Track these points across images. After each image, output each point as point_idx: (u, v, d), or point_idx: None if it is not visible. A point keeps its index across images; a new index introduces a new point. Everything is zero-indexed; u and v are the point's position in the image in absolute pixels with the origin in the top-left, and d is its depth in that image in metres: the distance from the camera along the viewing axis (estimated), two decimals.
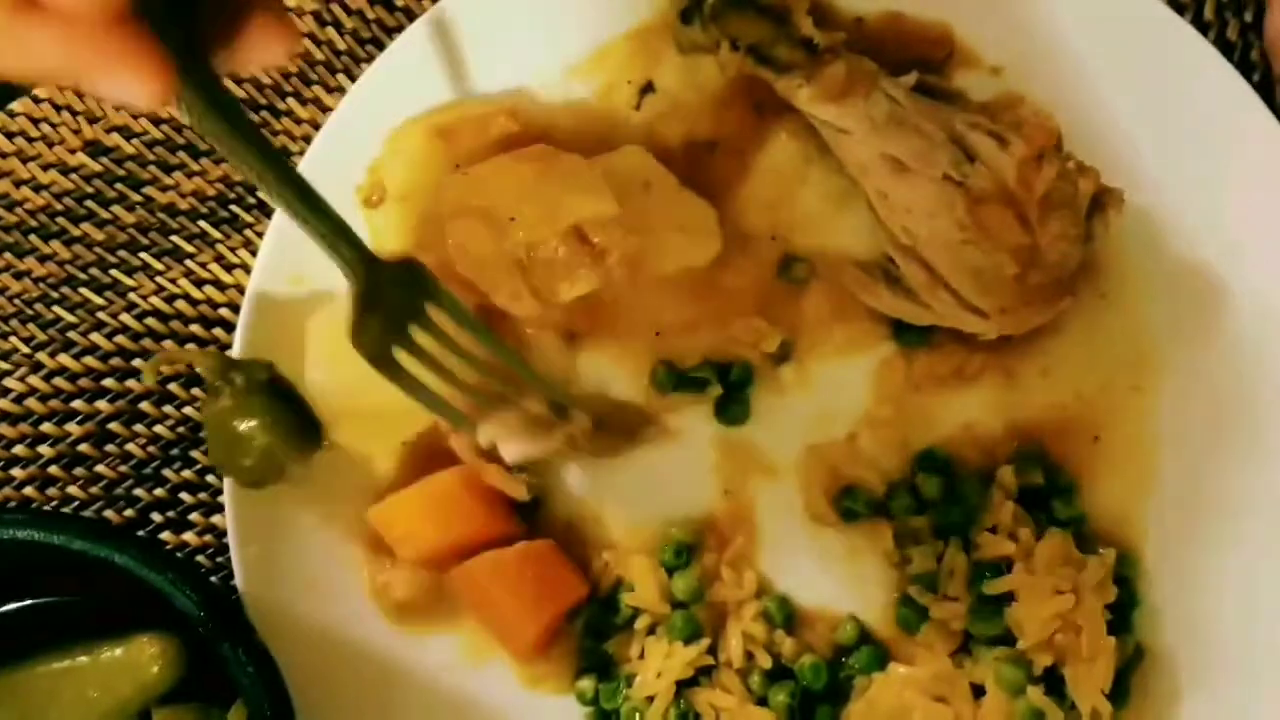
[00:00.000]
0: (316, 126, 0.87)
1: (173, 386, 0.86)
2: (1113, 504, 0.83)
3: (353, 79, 0.86)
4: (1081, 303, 0.84)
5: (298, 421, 0.79)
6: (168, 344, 0.87)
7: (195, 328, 0.87)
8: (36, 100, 0.87)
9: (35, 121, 0.87)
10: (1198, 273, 0.84)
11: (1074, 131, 0.82)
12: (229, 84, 0.87)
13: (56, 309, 0.87)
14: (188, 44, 0.58)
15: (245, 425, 0.77)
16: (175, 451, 0.86)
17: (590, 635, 0.81)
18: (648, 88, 0.86)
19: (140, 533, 0.84)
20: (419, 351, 0.73)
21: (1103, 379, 0.84)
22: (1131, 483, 0.83)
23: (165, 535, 0.85)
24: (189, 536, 0.85)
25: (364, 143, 0.83)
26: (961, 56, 0.86)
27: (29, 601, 0.77)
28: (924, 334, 0.84)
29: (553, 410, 0.78)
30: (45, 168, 0.88)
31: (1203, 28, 0.90)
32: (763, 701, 0.78)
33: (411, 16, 0.84)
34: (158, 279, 0.87)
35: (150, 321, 0.87)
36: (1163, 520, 0.82)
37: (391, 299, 0.72)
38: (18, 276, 0.87)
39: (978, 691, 0.78)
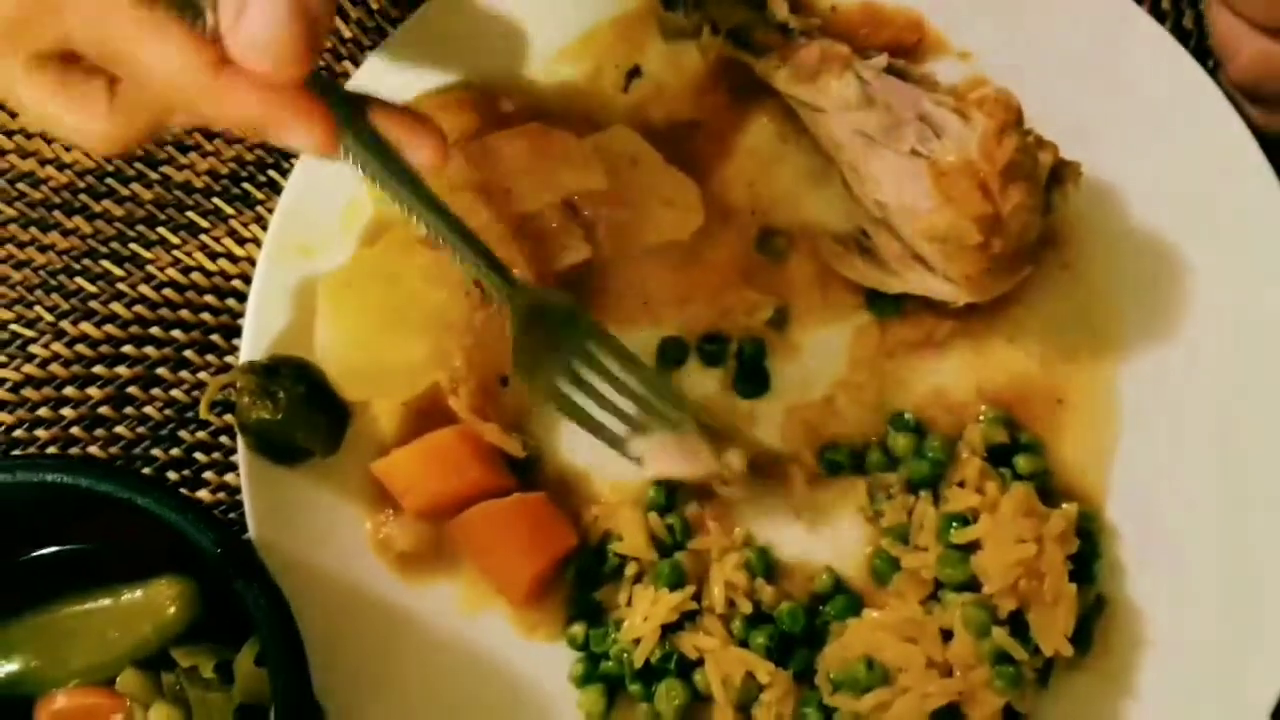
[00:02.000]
0: None
1: (188, 353, 0.91)
2: (1076, 462, 0.87)
3: (357, 65, 0.91)
4: (1045, 273, 0.89)
5: (331, 419, 0.84)
6: (183, 313, 0.91)
7: (209, 298, 0.92)
8: None
9: None
10: (1156, 244, 0.89)
11: (1036, 113, 0.86)
12: None
13: (79, 280, 0.92)
14: (347, 104, 0.68)
15: (284, 432, 0.82)
16: (190, 414, 0.90)
17: (581, 584, 0.85)
18: (634, 72, 0.91)
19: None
20: (579, 381, 0.81)
21: (1066, 345, 0.88)
22: (1093, 443, 0.88)
23: (181, 492, 0.90)
24: (203, 494, 0.90)
25: None
26: (931, 42, 0.91)
27: (53, 549, 0.81)
28: (896, 302, 0.89)
29: (708, 439, 0.84)
30: (69, 147, 0.93)
31: (1160, 16, 0.95)
32: (744, 644, 0.82)
33: (413, 5, 0.89)
34: (174, 252, 0.92)
35: (167, 292, 0.92)
36: (1124, 478, 0.87)
37: (547, 325, 0.80)
38: (42, 250, 0.92)
39: (947, 636, 0.82)
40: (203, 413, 0.85)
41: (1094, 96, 0.89)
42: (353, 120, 0.68)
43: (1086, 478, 0.87)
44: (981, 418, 0.87)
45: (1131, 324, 0.88)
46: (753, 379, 0.88)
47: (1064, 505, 0.84)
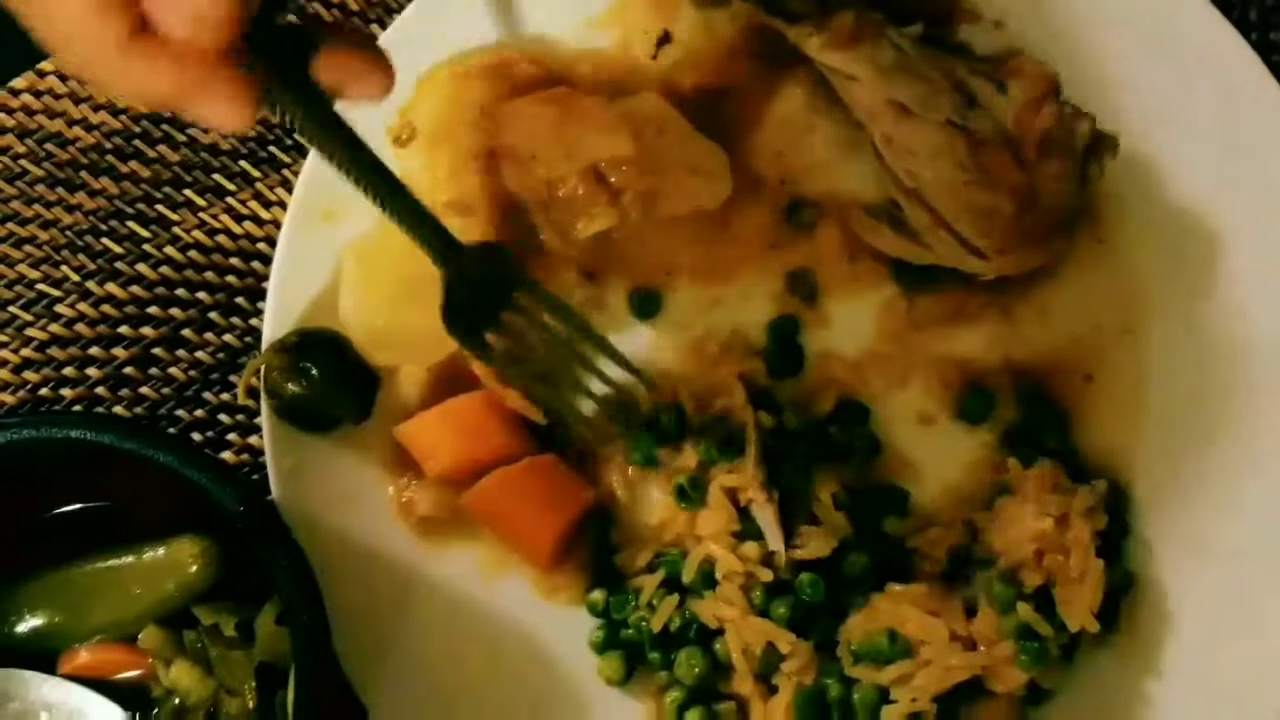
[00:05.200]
0: None
1: (213, 315, 0.91)
2: (1104, 440, 0.86)
3: (384, 28, 0.90)
4: (1078, 248, 0.87)
5: (361, 388, 0.84)
6: (208, 275, 0.92)
7: (234, 260, 0.92)
8: None
9: (63, 78, 0.92)
10: (1192, 220, 0.87)
11: (1072, 82, 0.85)
12: None
13: (105, 241, 0.92)
14: (283, 58, 0.61)
15: (316, 404, 0.82)
16: (215, 376, 0.91)
17: (601, 550, 0.85)
18: (664, 38, 0.90)
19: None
20: (511, 334, 0.79)
21: (1097, 321, 0.87)
22: (1122, 420, 0.86)
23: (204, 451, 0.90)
24: (227, 455, 0.90)
25: (396, 86, 0.87)
26: (966, 11, 0.90)
27: (78, 506, 0.81)
28: (926, 275, 0.88)
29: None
30: (96, 109, 0.93)
31: None
32: (764, 614, 0.82)
33: None
34: (200, 214, 0.92)
35: (193, 254, 0.92)
36: (1153, 456, 0.85)
37: (481, 284, 0.77)
38: (69, 210, 0.92)
39: (972, 611, 0.82)
40: (241, 397, 0.85)
41: (1131, 67, 0.87)
42: (289, 72, 0.61)
43: (1115, 454, 0.86)
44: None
45: (1164, 300, 0.87)
46: (787, 359, 0.87)
47: (1092, 481, 0.83)
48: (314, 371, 0.81)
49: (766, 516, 0.82)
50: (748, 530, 0.83)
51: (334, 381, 0.82)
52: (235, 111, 0.56)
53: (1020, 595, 0.80)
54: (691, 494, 0.83)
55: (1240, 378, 0.85)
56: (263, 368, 0.82)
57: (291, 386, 0.81)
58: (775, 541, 0.81)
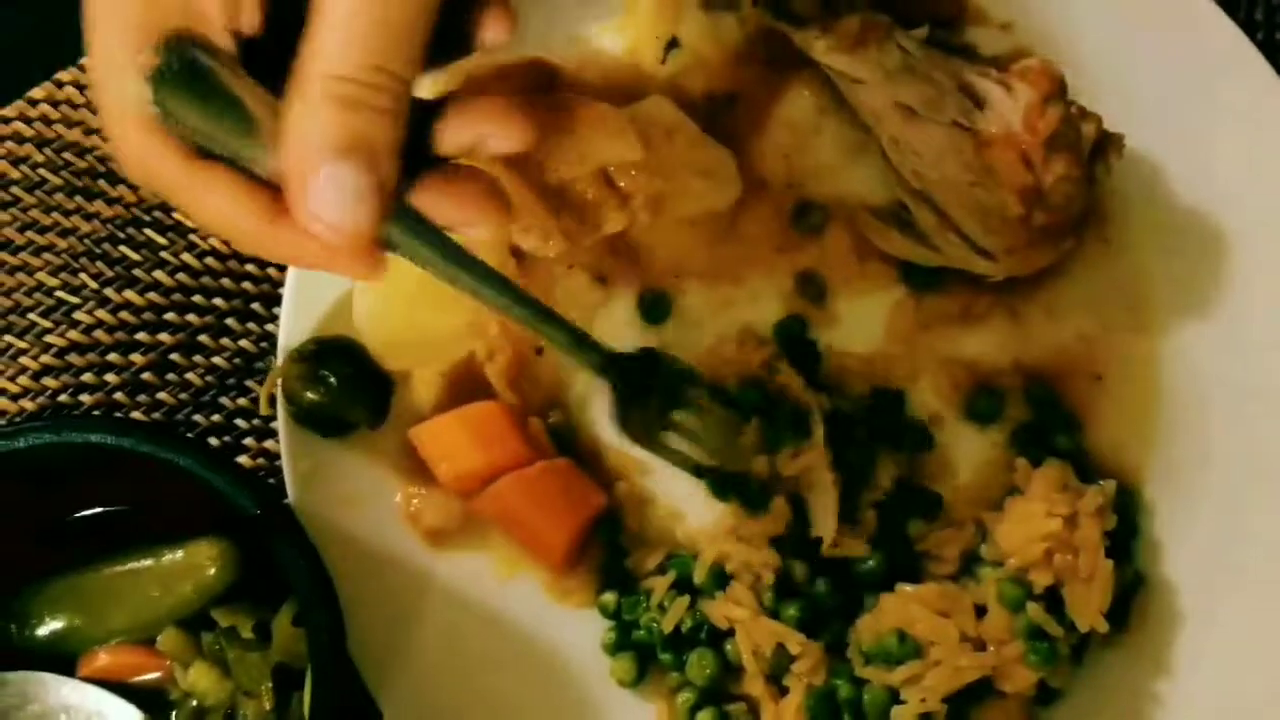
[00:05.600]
0: None
1: (229, 321, 0.92)
2: (1114, 439, 0.86)
3: None
4: (1086, 248, 0.88)
5: (378, 394, 0.85)
6: (224, 281, 0.93)
7: (250, 266, 0.93)
8: (82, 69, 0.93)
9: (80, 88, 0.93)
10: (1199, 220, 0.87)
11: (1079, 83, 0.86)
12: None
13: (123, 248, 0.93)
14: (416, 217, 0.62)
15: (334, 411, 0.84)
16: (231, 381, 0.92)
17: (612, 553, 0.86)
18: (672, 43, 0.90)
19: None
20: (684, 429, 0.84)
21: (1105, 320, 0.88)
22: (1132, 420, 0.87)
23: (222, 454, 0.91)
24: (243, 459, 0.91)
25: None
26: (972, 13, 0.90)
27: (97, 509, 0.82)
28: (934, 276, 0.88)
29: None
30: (86, 133, 0.93)
31: None
32: (775, 615, 0.82)
33: None
34: None
35: (209, 260, 0.93)
36: (1163, 455, 0.86)
37: (648, 390, 0.83)
38: (88, 218, 0.93)
39: (981, 611, 0.82)
40: (263, 408, 0.85)
41: (1137, 68, 0.88)
42: (397, 211, 0.60)
43: (1125, 455, 0.86)
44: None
45: (1172, 300, 0.87)
46: (803, 356, 0.88)
47: (1101, 482, 0.83)
48: (331, 379, 0.82)
49: (828, 502, 0.81)
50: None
51: (350, 388, 0.83)
52: (375, 268, 0.60)
53: (1030, 595, 0.80)
54: (757, 498, 0.84)
55: (1250, 375, 0.85)
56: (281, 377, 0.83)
57: (309, 394, 0.83)
58: (828, 529, 0.81)
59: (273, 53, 0.58)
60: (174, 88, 0.55)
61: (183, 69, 0.55)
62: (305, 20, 0.57)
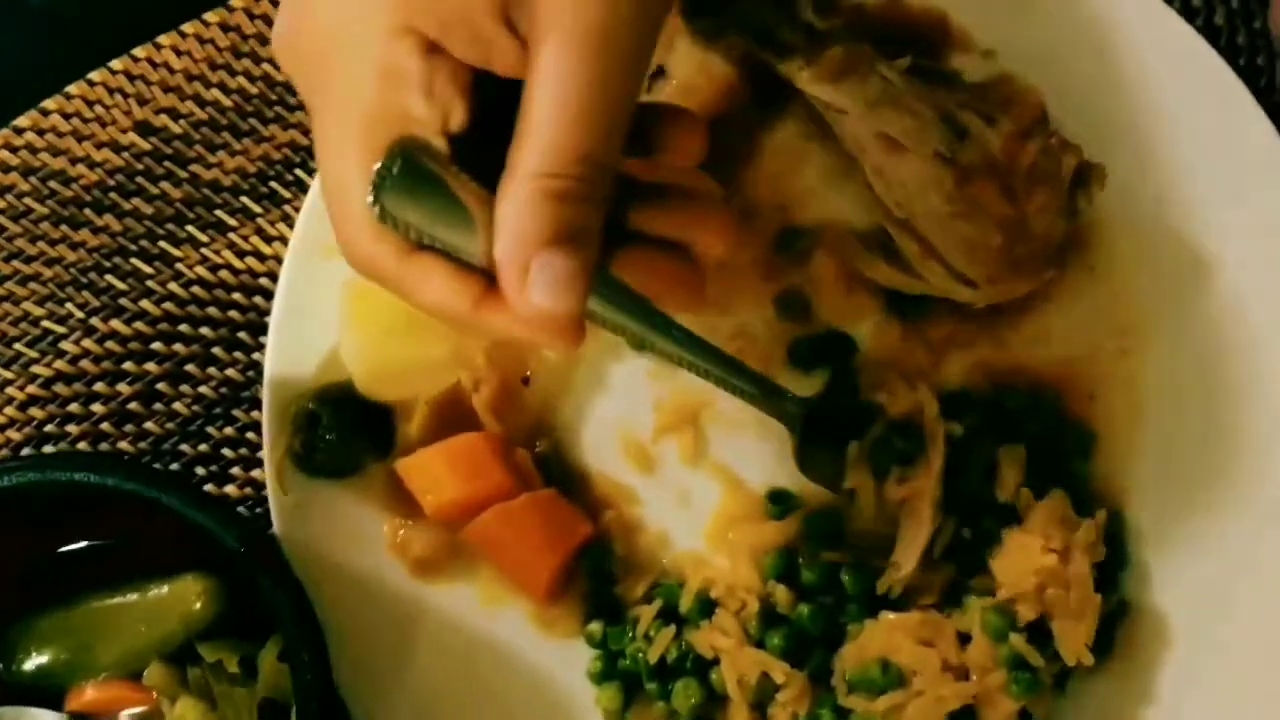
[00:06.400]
0: None
1: (216, 350, 0.93)
2: (1100, 466, 0.87)
3: None
4: (1070, 275, 0.88)
5: (380, 431, 0.86)
6: (211, 310, 0.93)
7: (237, 295, 0.93)
8: (90, 83, 0.94)
9: (89, 103, 0.94)
10: (1184, 246, 0.88)
11: (1063, 112, 0.86)
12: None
13: (108, 277, 0.93)
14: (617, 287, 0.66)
15: (337, 463, 0.85)
16: (218, 410, 0.92)
17: (599, 582, 0.86)
18: (658, 72, 0.91)
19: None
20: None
21: (1090, 346, 0.88)
22: (1119, 446, 0.87)
23: (208, 488, 0.91)
24: (230, 489, 0.91)
25: None
26: (956, 40, 0.90)
27: (82, 543, 0.83)
28: (918, 303, 0.88)
29: None
30: (99, 146, 0.94)
31: (1190, 14, 0.93)
32: (760, 644, 0.83)
33: None
34: (202, 250, 0.93)
35: (195, 289, 0.93)
36: (1149, 481, 0.86)
37: (837, 431, 0.82)
38: (73, 247, 0.93)
39: (966, 639, 0.82)
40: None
41: (1121, 96, 0.88)
42: (597, 285, 0.63)
43: (1112, 481, 0.87)
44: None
45: (1158, 326, 0.87)
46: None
47: (1097, 513, 0.83)
48: (330, 436, 0.83)
49: (920, 538, 0.81)
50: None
51: (352, 434, 0.84)
52: (578, 340, 0.63)
53: (1014, 626, 0.81)
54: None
55: (1238, 400, 0.86)
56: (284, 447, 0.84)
57: (315, 456, 0.84)
58: (909, 559, 0.81)
59: (480, 144, 0.62)
60: (395, 190, 0.60)
61: (402, 172, 0.60)
62: (513, 112, 0.60)
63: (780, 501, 0.86)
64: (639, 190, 0.68)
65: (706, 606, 0.84)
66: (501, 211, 0.60)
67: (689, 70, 0.91)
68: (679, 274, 0.69)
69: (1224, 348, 0.86)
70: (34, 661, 0.81)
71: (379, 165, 0.60)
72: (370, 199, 0.60)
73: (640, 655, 0.83)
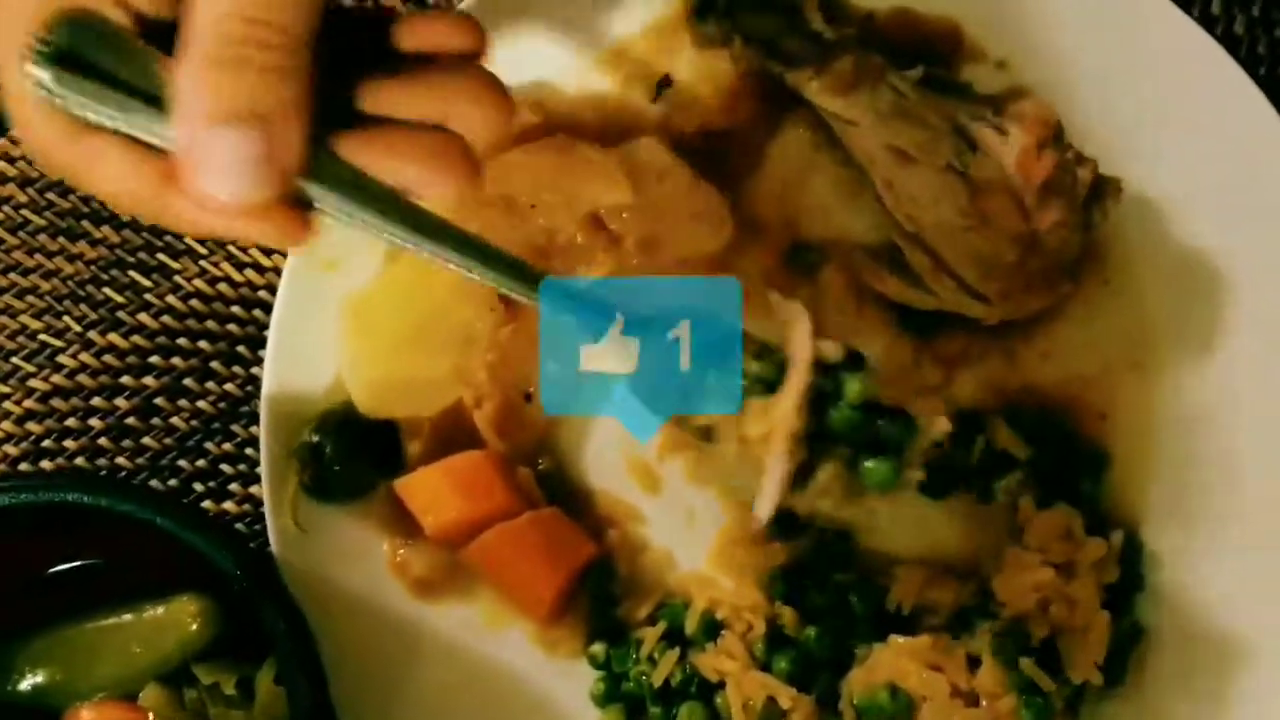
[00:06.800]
0: None
1: (215, 364, 0.91)
2: (1114, 485, 0.85)
3: None
4: (1086, 289, 0.86)
5: (388, 450, 0.84)
6: (210, 324, 0.92)
7: (236, 308, 0.92)
8: None
9: None
10: (1201, 260, 0.86)
11: (1078, 122, 0.84)
12: None
13: (106, 290, 0.92)
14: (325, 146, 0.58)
15: (346, 487, 0.84)
16: (216, 425, 0.91)
17: (601, 602, 0.85)
18: (665, 81, 0.89)
19: (183, 501, 0.89)
20: None
21: (1104, 361, 0.86)
22: (1134, 465, 0.85)
23: (207, 504, 0.90)
24: (229, 505, 0.90)
25: None
26: (969, 51, 0.89)
27: (78, 563, 0.82)
28: (930, 319, 0.87)
29: None
30: None
31: (1210, 22, 0.91)
32: (766, 667, 0.81)
33: None
34: (201, 263, 0.92)
35: (194, 303, 0.92)
36: (1164, 501, 0.84)
37: None
38: (70, 260, 0.92)
39: (976, 663, 0.81)
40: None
41: (1138, 107, 0.86)
42: (316, 169, 0.56)
43: (1125, 503, 0.85)
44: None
45: (1173, 341, 0.86)
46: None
47: (1111, 533, 0.81)
48: (337, 467, 0.82)
49: (775, 479, 0.70)
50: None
51: (359, 458, 0.83)
52: (294, 234, 0.57)
53: (1024, 648, 0.79)
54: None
55: (1256, 417, 0.84)
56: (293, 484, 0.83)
57: (326, 485, 0.82)
58: (766, 505, 0.70)
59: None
60: (61, 64, 0.54)
61: (70, 45, 0.54)
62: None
63: (786, 522, 0.84)
64: (384, 67, 0.60)
65: (712, 628, 0.83)
66: (177, 85, 0.54)
67: (695, 79, 0.89)
68: (441, 154, 0.60)
69: (1241, 364, 0.85)
70: (29, 682, 0.80)
71: (38, 35, 0.54)
72: (32, 69, 0.54)
73: (644, 678, 0.82)
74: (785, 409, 0.69)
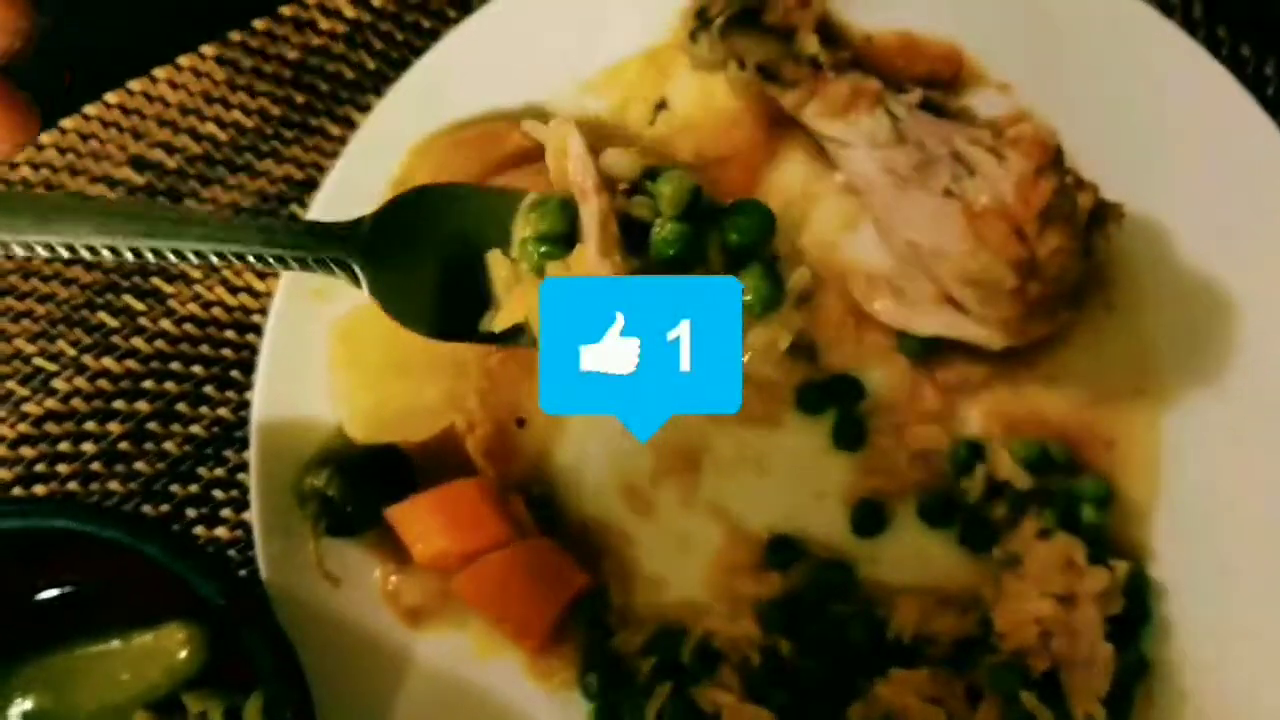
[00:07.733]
0: None
1: (208, 389, 0.91)
2: (1118, 514, 0.83)
3: (380, 96, 0.89)
4: (1088, 315, 0.85)
5: (399, 478, 0.83)
6: (203, 348, 0.91)
7: (229, 333, 0.91)
8: (86, 118, 0.92)
9: (84, 137, 0.92)
10: (1204, 285, 0.85)
11: (1081, 146, 0.83)
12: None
13: (100, 314, 0.92)
14: None
15: (366, 519, 0.82)
16: (209, 450, 0.90)
17: (595, 633, 0.83)
18: (661, 104, 0.88)
19: (175, 527, 0.89)
20: None
21: (1109, 388, 0.85)
22: (1139, 494, 0.84)
23: (198, 530, 0.89)
24: (220, 531, 0.89)
25: (390, 156, 0.86)
26: (970, 74, 0.88)
27: (66, 589, 0.81)
28: (929, 345, 0.85)
29: None
30: (92, 180, 0.92)
31: (1214, 45, 0.90)
32: (763, 700, 0.80)
33: (435, 39, 0.88)
34: (195, 287, 0.92)
35: (188, 327, 0.91)
36: (1169, 531, 0.83)
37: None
38: (65, 284, 0.92)
39: (976, 696, 0.79)
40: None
41: (1140, 130, 0.85)
42: None
43: (1132, 534, 0.83)
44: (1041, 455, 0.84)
45: (1178, 367, 0.84)
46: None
47: (1115, 564, 0.80)
48: (349, 508, 0.81)
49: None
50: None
51: (368, 489, 0.82)
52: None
53: (1025, 682, 0.77)
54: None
55: (1264, 443, 0.82)
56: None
57: (341, 521, 0.82)
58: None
59: None
60: None
61: None
62: None
63: (782, 550, 0.83)
64: None
65: (708, 659, 0.81)
66: None
67: (691, 102, 0.88)
68: None
69: (1247, 389, 0.83)
70: (18, 709, 0.79)
71: None
72: None
73: (639, 709, 0.81)
74: (588, 253, 0.60)
